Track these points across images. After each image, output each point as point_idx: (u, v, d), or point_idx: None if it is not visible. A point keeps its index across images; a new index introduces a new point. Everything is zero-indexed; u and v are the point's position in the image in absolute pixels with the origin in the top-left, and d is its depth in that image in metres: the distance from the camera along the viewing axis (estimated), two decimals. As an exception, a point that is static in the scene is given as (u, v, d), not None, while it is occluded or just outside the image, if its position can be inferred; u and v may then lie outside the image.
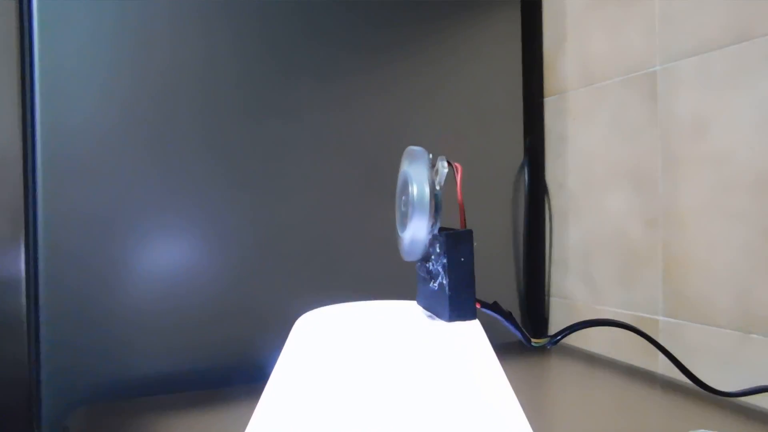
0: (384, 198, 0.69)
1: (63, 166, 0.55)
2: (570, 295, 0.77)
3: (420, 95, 0.72)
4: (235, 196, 0.62)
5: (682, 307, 0.62)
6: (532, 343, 0.26)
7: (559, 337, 0.27)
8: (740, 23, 0.55)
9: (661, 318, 0.64)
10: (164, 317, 0.59)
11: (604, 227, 0.72)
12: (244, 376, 0.61)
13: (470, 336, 0.24)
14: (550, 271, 0.80)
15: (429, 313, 0.26)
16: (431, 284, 0.24)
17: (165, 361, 0.59)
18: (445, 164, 0.24)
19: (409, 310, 0.27)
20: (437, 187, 0.23)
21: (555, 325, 0.80)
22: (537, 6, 0.81)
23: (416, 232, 0.23)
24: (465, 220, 0.25)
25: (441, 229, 0.24)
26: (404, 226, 0.24)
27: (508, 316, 0.25)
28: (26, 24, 0.55)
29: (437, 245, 0.24)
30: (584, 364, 0.68)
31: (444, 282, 0.23)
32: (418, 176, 0.23)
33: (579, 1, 0.75)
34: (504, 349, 0.70)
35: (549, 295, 0.80)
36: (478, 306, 0.25)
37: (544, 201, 0.80)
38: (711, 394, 0.47)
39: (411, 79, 0.72)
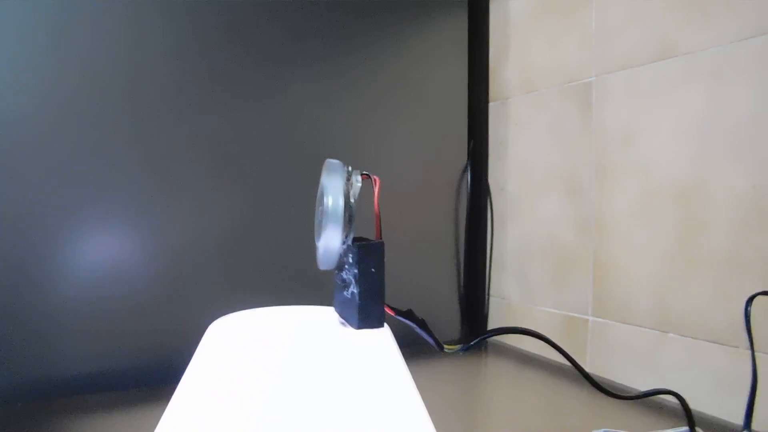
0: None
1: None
2: (507, 295, 0.80)
3: (367, 98, 0.73)
4: (161, 198, 0.62)
5: (608, 308, 0.65)
6: (445, 350, 0.27)
7: (471, 344, 0.28)
8: (665, 41, 0.58)
9: (590, 318, 0.67)
10: (86, 316, 0.58)
11: (539, 231, 0.75)
12: (166, 377, 0.61)
13: (376, 342, 0.25)
14: (490, 272, 0.82)
15: (342, 320, 0.27)
16: (345, 292, 0.26)
17: (87, 360, 0.58)
18: (359, 178, 0.25)
19: (324, 316, 0.28)
20: (351, 200, 0.24)
21: (493, 324, 0.82)
22: (484, 14, 0.83)
23: (329, 242, 0.24)
24: (381, 231, 0.26)
25: (357, 240, 0.25)
26: (319, 235, 0.25)
27: (421, 323, 0.27)
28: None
29: (350, 255, 0.25)
30: (516, 363, 0.71)
31: (355, 291, 0.24)
32: (333, 188, 0.24)
33: (523, 11, 0.78)
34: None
35: (488, 295, 0.83)
36: (392, 313, 0.26)
37: (485, 203, 0.83)
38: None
39: (358, 81, 0.72)
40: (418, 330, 0.27)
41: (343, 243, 0.25)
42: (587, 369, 0.67)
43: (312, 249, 0.28)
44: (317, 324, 0.27)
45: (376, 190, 0.25)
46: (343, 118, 0.72)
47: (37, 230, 0.56)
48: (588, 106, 0.68)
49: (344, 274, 0.26)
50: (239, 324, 0.26)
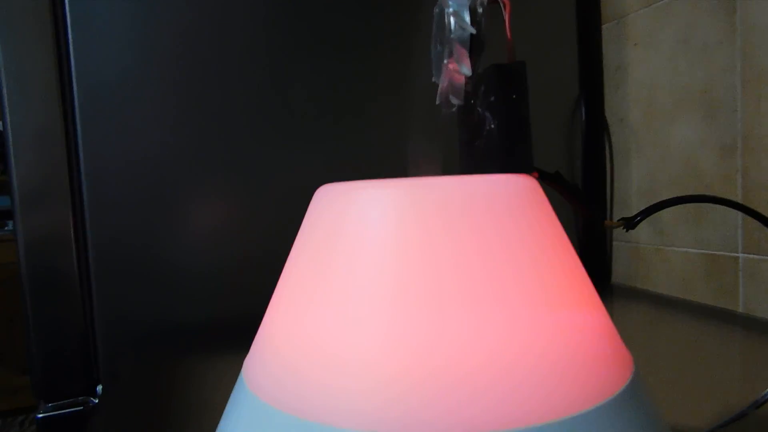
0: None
1: (104, 119, 0.53)
2: (633, 236, 0.71)
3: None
4: (286, 149, 0.59)
5: (764, 242, 0.55)
6: (605, 226, 0.21)
7: (639, 218, 0.22)
8: None
9: (741, 255, 0.57)
10: (214, 264, 0.57)
11: (671, 161, 0.65)
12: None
13: (522, 190, 0.19)
14: (611, 213, 0.73)
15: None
16: (477, 143, 0.20)
17: (216, 307, 0.57)
18: (488, -11, 0.19)
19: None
20: (479, 10, 0.19)
21: (619, 272, 0.74)
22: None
23: (457, 68, 0.19)
24: (515, 58, 0.20)
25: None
26: (439, 68, 0.20)
27: (573, 189, 0.21)
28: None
29: (482, 86, 0.19)
30: (652, 307, 0.62)
31: (492, 126, 0.18)
32: (457, 5, 0.19)
33: None
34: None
35: (611, 238, 0.74)
36: (533, 175, 0.20)
37: (603, 138, 0.74)
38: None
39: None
40: (569, 199, 0.21)
41: (472, 72, 0.19)
42: (741, 310, 0.57)
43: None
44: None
45: (507, 15, 0.20)
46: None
47: (157, 183, 0.55)
48: (730, 5, 0.57)
49: (475, 116, 0.20)
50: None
